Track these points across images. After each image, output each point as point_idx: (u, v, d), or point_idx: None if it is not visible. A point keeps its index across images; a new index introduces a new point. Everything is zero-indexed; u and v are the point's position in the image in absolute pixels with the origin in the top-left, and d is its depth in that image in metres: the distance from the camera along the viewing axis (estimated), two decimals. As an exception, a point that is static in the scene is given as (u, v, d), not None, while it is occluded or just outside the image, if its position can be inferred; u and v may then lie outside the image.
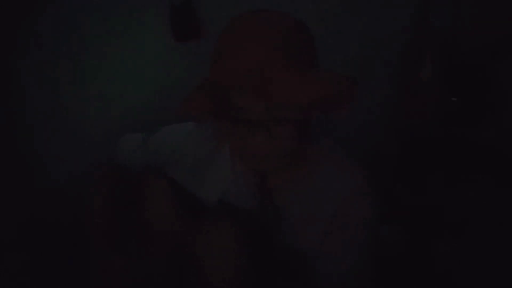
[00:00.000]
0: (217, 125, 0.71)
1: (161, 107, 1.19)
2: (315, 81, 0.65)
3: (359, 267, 0.78)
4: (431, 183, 1.42)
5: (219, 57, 0.67)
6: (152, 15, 1.34)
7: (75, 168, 1.23)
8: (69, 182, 1.24)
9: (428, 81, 1.48)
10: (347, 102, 0.69)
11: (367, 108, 1.54)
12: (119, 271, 0.88)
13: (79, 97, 1.31)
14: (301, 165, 0.80)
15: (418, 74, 1.49)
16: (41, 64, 1.26)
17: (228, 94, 0.66)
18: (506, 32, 1.36)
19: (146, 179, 0.87)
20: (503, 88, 1.39)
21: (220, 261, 0.73)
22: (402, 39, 1.53)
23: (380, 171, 1.30)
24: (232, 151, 0.81)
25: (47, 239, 1.20)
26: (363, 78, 1.52)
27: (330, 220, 0.77)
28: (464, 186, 1.36)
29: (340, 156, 0.81)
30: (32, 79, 1.26)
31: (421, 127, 1.50)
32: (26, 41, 1.24)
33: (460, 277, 1.20)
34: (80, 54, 1.30)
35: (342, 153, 0.82)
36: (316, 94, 0.64)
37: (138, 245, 0.86)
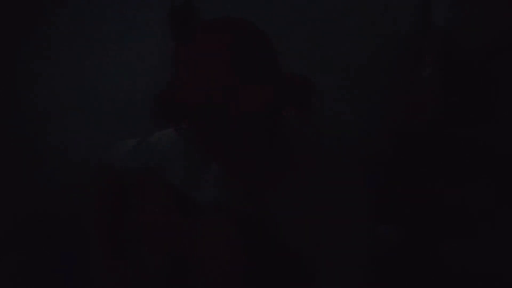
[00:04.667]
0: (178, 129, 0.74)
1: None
2: (261, 87, 0.66)
3: (359, 263, 0.78)
4: (431, 183, 1.42)
5: (174, 71, 0.71)
6: (152, 15, 1.34)
7: (74, 168, 1.23)
8: (69, 182, 1.24)
9: (428, 81, 1.48)
10: (303, 101, 0.71)
11: (367, 107, 1.54)
12: (119, 271, 0.88)
13: (79, 96, 1.32)
14: (286, 162, 0.81)
15: (419, 73, 1.49)
16: (40, 64, 1.26)
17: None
18: (505, 31, 1.36)
19: (143, 181, 0.88)
20: (503, 88, 1.39)
21: (218, 260, 0.73)
22: (402, 39, 1.53)
23: (380, 171, 1.30)
24: None
25: (47, 239, 1.21)
26: (364, 77, 1.53)
27: (320, 211, 0.78)
28: (463, 186, 1.36)
29: (321, 146, 0.82)
30: (31, 79, 1.26)
31: (421, 127, 1.50)
32: (27, 41, 1.24)
33: (459, 277, 1.20)
34: (81, 54, 1.30)
35: (322, 142, 0.83)
36: (263, 100, 0.66)
37: (137, 245, 0.86)
